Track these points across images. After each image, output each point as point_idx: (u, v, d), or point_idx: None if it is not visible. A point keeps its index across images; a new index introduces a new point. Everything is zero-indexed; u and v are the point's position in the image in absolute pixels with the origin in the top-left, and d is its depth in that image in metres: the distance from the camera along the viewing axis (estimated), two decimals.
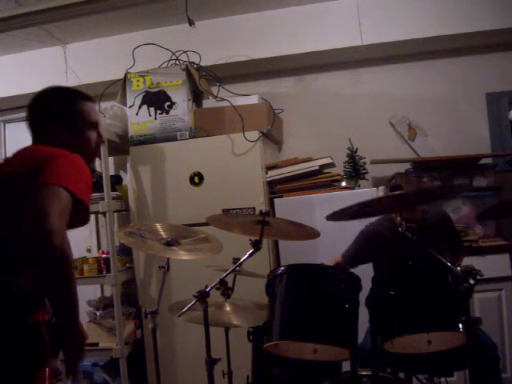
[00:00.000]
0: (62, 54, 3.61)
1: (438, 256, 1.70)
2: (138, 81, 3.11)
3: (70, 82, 3.57)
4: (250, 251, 1.89)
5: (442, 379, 1.95)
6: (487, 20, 3.14)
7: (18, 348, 1.36)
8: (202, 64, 3.28)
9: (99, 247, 3.75)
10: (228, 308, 2.17)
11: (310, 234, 2.01)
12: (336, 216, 1.86)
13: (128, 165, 3.14)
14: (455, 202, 3.05)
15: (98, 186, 3.06)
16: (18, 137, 3.33)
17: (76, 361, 1.45)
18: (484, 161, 3.19)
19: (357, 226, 2.57)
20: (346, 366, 1.89)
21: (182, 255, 2.21)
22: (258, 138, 2.94)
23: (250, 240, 1.89)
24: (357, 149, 3.19)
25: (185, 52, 3.26)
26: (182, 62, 3.21)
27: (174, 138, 3.04)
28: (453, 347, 1.73)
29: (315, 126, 3.58)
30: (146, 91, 3.10)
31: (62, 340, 1.42)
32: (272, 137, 3.25)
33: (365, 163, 3.14)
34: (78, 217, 1.44)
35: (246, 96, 3.14)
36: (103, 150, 2.94)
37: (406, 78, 3.50)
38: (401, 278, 1.85)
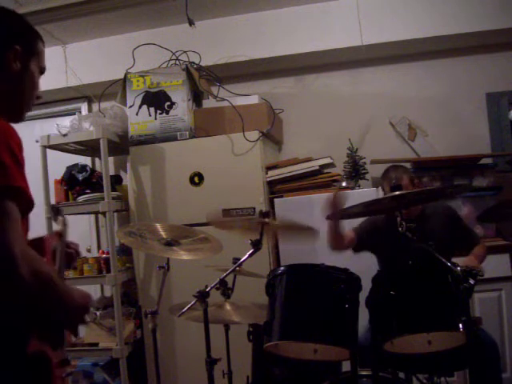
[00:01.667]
0: (62, 54, 3.61)
1: (438, 256, 1.71)
2: (138, 81, 3.11)
3: (69, 82, 3.58)
4: (250, 251, 1.89)
5: (442, 379, 1.95)
6: (487, 20, 3.14)
7: None
8: (202, 64, 3.28)
9: (99, 247, 3.76)
10: (228, 307, 2.17)
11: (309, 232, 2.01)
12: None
13: (128, 165, 3.14)
14: (455, 202, 3.05)
15: (98, 186, 3.06)
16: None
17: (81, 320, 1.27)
18: (484, 161, 3.19)
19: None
20: (346, 366, 1.89)
21: (182, 255, 2.21)
22: (258, 138, 2.94)
23: (250, 240, 1.89)
24: (357, 149, 3.19)
25: (185, 52, 3.26)
26: (182, 62, 3.21)
27: (174, 138, 3.04)
28: (453, 347, 1.73)
29: (315, 126, 3.58)
30: (146, 91, 3.10)
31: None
32: (272, 137, 3.25)
33: (365, 163, 3.15)
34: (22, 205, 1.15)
35: (246, 96, 3.14)
36: (103, 149, 2.94)
37: (406, 77, 3.50)
38: (401, 278, 1.85)
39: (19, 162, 1.15)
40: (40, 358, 1.20)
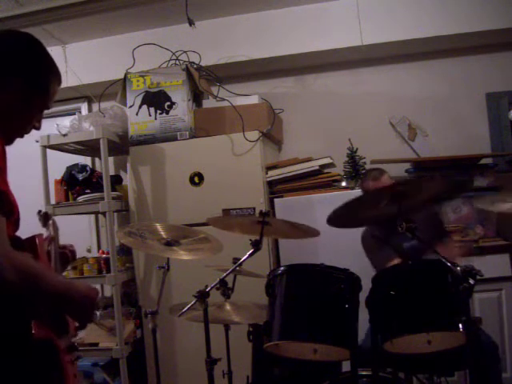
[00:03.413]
0: (62, 54, 3.61)
1: (438, 256, 1.70)
2: (137, 81, 3.11)
3: (70, 82, 3.58)
4: (250, 251, 1.89)
5: (442, 379, 1.95)
6: (487, 20, 3.14)
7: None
8: (202, 64, 3.28)
9: (99, 247, 3.76)
10: (228, 307, 2.17)
11: (310, 232, 2.01)
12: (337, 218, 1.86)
13: (128, 165, 3.14)
14: (455, 201, 3.05)
15: (98, 186, 3.06)
16: None
17: (89, 316, 1.27)
18: (484, 161, 3.19)
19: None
20: (346, 366, 1.89)
21: (182, 255, 2.21)
22: (258, 138, 2.94)
23: (250, 240, 1.89)
24: (357, 149, 3.19)
25: (185, 52, 3.26)
26: (182, 62, 3.21)
27: (174, 138, 3.04)
28: (453, 347, 1.73)
29: (315, 126, 3.58)
30: (146, 91, 3.10)
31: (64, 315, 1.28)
32: (272, 137, 3.25)
33: (365, 163, 3.15)
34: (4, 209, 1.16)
35: (246, 96, 3.14)
36: (103, 149, 2.94)
37: (406, 78, 3.50)
38: (401, 278, 1.85)
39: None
40: (46, 344, 1.21)
